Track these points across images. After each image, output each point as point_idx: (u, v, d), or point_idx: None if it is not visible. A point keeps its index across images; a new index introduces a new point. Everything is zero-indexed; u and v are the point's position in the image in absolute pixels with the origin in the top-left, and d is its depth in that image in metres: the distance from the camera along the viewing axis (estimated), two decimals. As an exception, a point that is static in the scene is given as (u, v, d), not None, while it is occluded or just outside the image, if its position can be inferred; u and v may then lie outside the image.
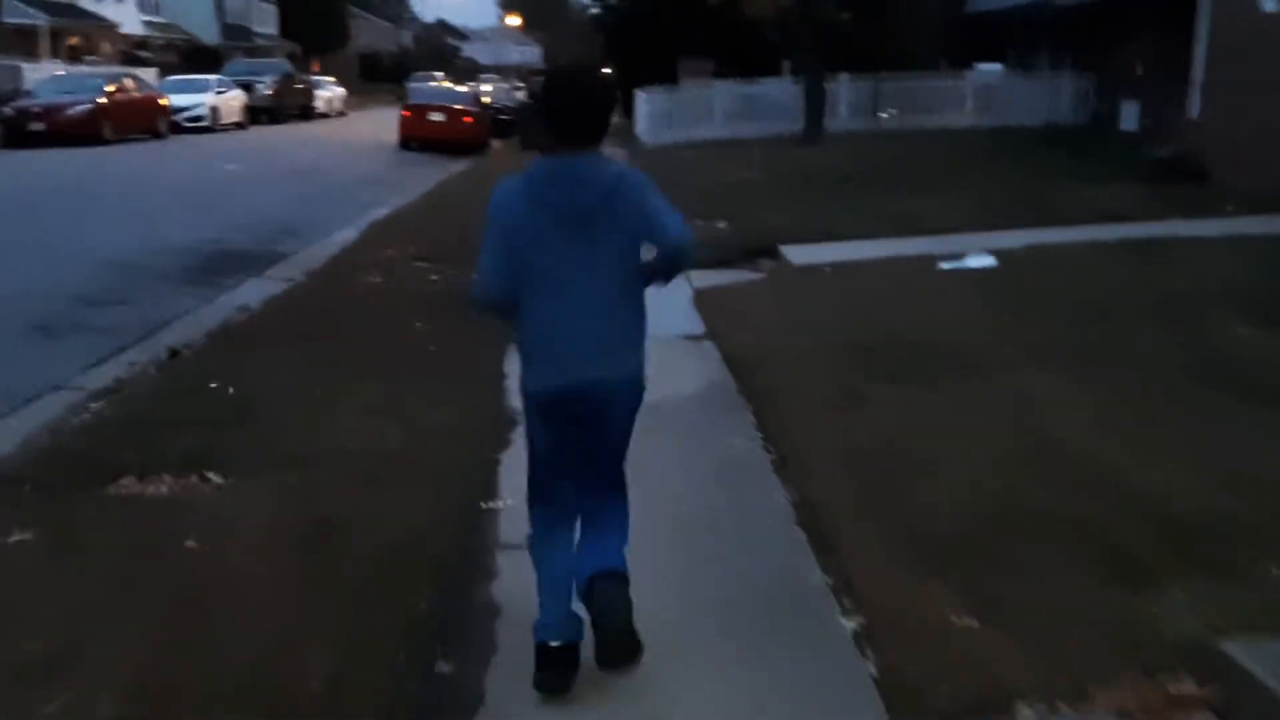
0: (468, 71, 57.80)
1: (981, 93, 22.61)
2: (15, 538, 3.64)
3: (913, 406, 4.78)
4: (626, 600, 2.83)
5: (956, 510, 3.73)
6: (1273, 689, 2.57)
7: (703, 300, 7.47)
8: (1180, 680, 2.71)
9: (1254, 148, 10.19)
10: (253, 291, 8.23)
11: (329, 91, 38.09)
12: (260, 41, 52.58)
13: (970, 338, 5.77)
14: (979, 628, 3.01)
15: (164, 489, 4.09)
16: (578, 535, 2.94)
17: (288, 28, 55.00)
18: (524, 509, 3.01)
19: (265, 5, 55.20)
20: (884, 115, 22.59)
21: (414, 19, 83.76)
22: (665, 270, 2.86)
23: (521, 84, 37.29)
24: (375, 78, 57.67)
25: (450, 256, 8.90)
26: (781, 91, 22.91)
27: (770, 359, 5.73)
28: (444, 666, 2.97)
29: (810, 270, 8.15)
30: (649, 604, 2.96)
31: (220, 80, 28.78)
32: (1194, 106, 12.12)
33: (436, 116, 22.90)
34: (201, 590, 3.27)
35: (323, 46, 56.37)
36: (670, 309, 7.29)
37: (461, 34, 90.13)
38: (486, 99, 28.58)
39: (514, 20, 75.73)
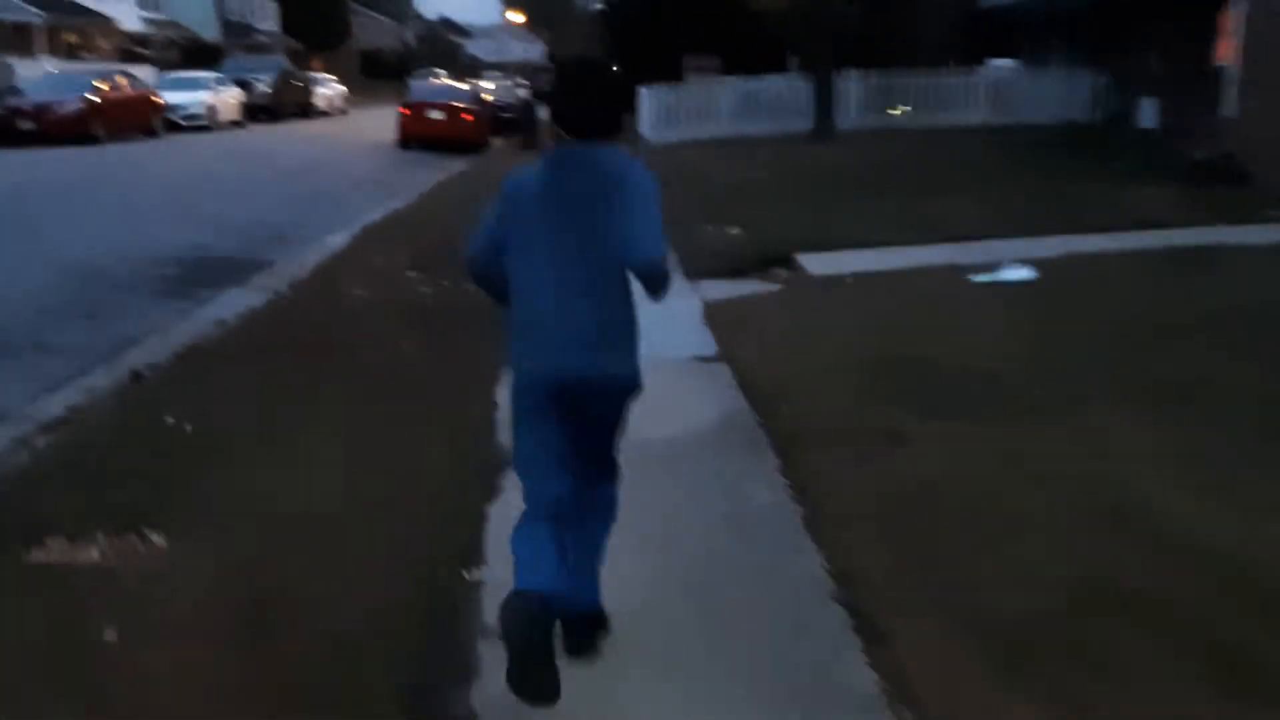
0: (470, 68, 57.19)
1: (994, 89, 21.99)
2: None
3: (962, 451, 4.17)
4: (595, 644, 2.90)
5: (1026, 586, 3.14)
6: None
7: (714, 315, 6.89)
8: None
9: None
10: (231, 304, 7.66)
11: (329, 89, 37.44)
12: (261, 38, 52.00)
13: (1018, 365, 5.16)
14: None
15: (95, 554, 3.51)
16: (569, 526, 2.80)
17: (289, 24, 54.42)
18: (510, 581, 2.69)
19: (266, 2, 54.63)
20: (895, 112, 21.96)
21: (417, 16, 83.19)
22: (640, 280, 2.72)
23: (524, 81, 36.67)
24: (378, 75, 57.13)
25: (443, 265, 8.32)
26: (789, 88, 22.29)
27: (793, 387, 5.14)
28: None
29: (830, 282, 7.55)
30: (665, 700, 2.40)
31: (217, 78, 28.17)
32: (1229, 104, 11.49)
33: (436, 114, 22.32)
34: (107, 708, 2.68)
35: (324, 43, 55.82)
36: (679, 325, 6.71)
37: (465, 31, 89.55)
38: (488, 96, 27.97)
39: (517, 17, 75.14)
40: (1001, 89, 21.93)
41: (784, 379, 5.33)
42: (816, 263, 8.19)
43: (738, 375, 5.51)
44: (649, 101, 22.08)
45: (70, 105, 20.74)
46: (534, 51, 71.83)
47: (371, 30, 67.61)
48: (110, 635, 2.94)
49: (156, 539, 3.61)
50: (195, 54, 41.36)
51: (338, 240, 10.36)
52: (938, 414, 4.55)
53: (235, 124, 27.34)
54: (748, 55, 23.67)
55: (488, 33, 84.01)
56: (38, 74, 25.73)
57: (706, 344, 6.28)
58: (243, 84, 29.19)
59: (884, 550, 3.47)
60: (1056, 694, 2.63)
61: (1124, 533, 3.43)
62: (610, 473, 2.93)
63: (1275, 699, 2.59)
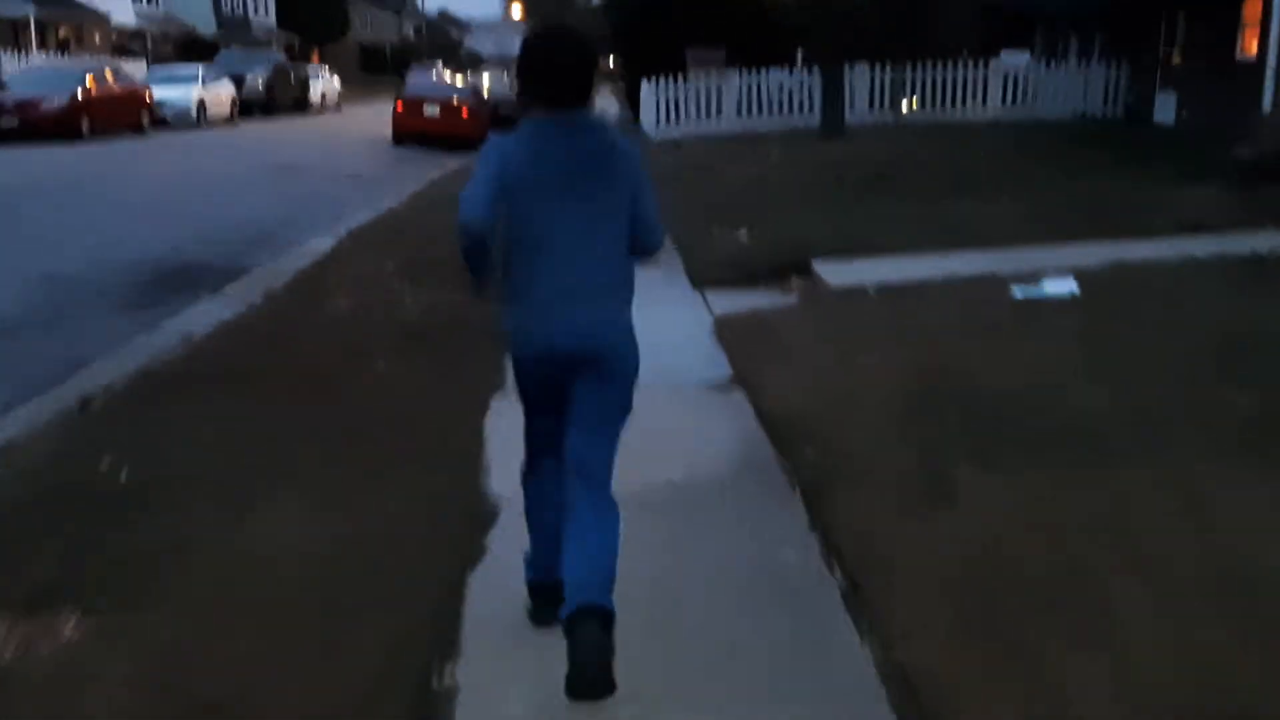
0: (469, 62, 56.49)
1: (1008, 83, 21.32)
2: None
3: (1031, 506, 3.53)
4: (608, 647, 2.54)
5: (1136, 700, 2.52)
6: None
7: (726, 332, 6.26)
8: None
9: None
10: (201, 316, 7.04)
11: (325, 84, 36.77)
12: (258, 32, 51.31)
13: (1080, 397, 4.50)
14: None
15: (-6, 644, 2.90)
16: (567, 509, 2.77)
17: (286, 18, 53.72)
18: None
19: (263, -6, 53.94)
20: (905, 107, 21.31)
21: (416, 9, 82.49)
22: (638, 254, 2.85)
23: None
24: (376, 69, 56.47)
25: (432, 273, 7.71)
26: (795, 82, 21.62)
27: (820, 422, 4.51)
28: None
29: (852, 294, 6.91)
30: None
31: (208, 72, 27.50)
32: (1268, 98, 10.84)
33: (432, 110, 21.69)
34: None
35: (322, 37, 55.18)
36: (687, 343, 6.09)
37: (464, 25, 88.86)
38: (485, 92, 27.32)
39: (517, 11, 74.45)
40: (1015, 83, 21.27)
41: (809, 409, 4.70)
42: (835, 271, 7.56)
43: (757, 406, 4.88)
44: (651, 96, 21.43)
45: (55, 101, 20.11)
46: (534, 46, 70.94)
47: (370, 24, 66.95)
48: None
49: (71, 623, 3.00)
50: (190, 48, 40.69)
51: (323, 244, 9.74)
52: (995, 458, 3.91)
53: (227, 120, 26.71)
54: (752, 48, 23.01)
55: (488, 27, 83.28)
56: (25, 69, 25.06)
57: (718, 365, 5.66)
58: (236, 78, 28.54)
59: (948, 640, 2.84)
60: None
61: (1251, 618, 2.79)
62: (605, 470, 2.81)
63: None
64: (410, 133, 21.46)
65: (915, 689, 2.66)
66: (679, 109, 21.48)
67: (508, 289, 2.73)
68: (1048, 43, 23.96)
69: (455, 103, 22.17)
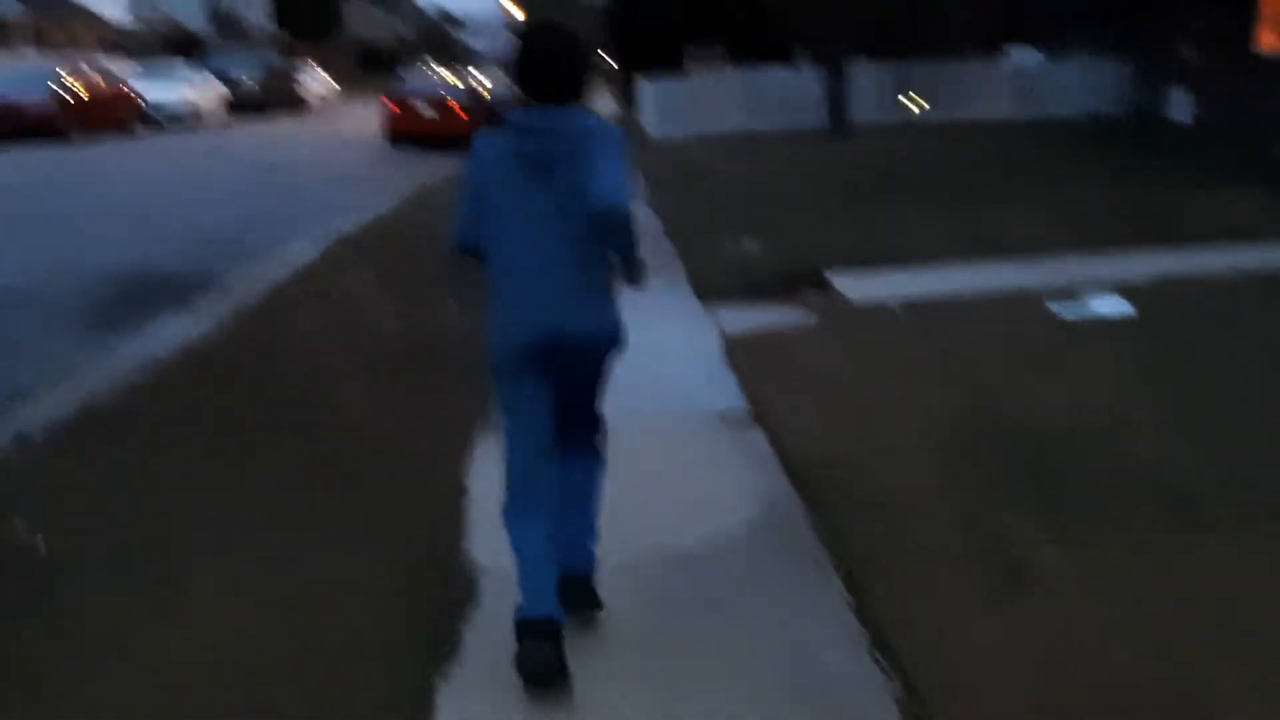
0: (467, 61, 55.90)
1: (1017, 81, 20.72)
2: None
3: (1126, 594, 2.90)
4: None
5: None
6: None
7: (738, 355, 5.65)
8: None
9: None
10: (166, 337, 6.44)
11: (319, 83, 36.14)
12: (251, 31, 50.69)
13: (1156, 442, 3.88)
14: None
15: None
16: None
17: (280, 16, 53.11)
18: None
19: (257, -7, 53.33)
20: (913, 107, 20.72)
21: (414, 7, 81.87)
22: (601, 237, 2.66)
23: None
24: (372, 67, 55.81)
25: (418, 286, 7.13)
26: (798, 80, 21.01)
27: (853, 470, 3.90)
28: None
29: (875, 311, 6.31)
30: None
31: (197, 71, 26.88)
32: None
33: (425, 110, 21.05)
34: None
35: (317, 35, 54.54)
36: (694, 367, 5.49)
37: (462, 23, 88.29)
38: (484, 91, 26.66)
39: (514, 9, 73.85)
40: (1025, 80, 20.68)
41: (838, 453, 4.11)
42: (854, 285, 6.95)
43: (777, 447, 4.27)
44: (652, 95, 20.85)
45: (37, 102, 19.50)
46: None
47: (366, 22, 66.28)
48: None
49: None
50: (183, 47, 40.09)
51: (303, 254, 9.14)
52: (1067, 523, 3.31)
53: (217, 120, 26.10)
54: (753, 46, 22.44)
55: (485, 25, 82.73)
56: (7, 67, 24.43)
57: (731, 393, 5.04)
58: (226, 78, 27.93)
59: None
60: None
61: None
62: (595, 425, 2.98)
63: None
64: (405, 134, 20.82)
65: None
66: (681, 109, 20.88)
67: (490, 285, 2.76)
68: (1056, 39, 23.38)
69: (450, 102, 21.54)
